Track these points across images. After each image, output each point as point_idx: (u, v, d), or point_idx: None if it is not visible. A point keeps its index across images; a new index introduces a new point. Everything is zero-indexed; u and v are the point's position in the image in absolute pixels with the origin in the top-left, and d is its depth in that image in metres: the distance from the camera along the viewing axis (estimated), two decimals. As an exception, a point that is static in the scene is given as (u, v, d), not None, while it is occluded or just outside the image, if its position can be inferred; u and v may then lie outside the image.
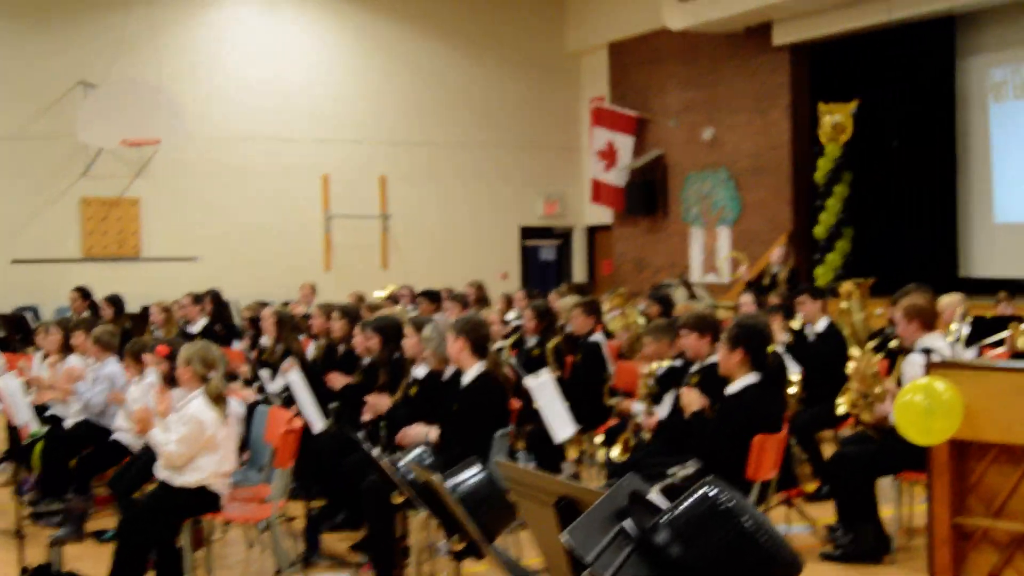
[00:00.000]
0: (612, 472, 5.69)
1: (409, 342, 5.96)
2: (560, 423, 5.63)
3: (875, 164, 13.21)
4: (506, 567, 3.13)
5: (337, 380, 6.66)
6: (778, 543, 1.81)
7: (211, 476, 4.89)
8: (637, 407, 5.96)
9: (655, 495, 1.95)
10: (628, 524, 1.69)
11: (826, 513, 6.10)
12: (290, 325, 7.41)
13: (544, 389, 5.68)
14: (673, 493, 1.91)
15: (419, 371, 5.94)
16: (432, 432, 5.43)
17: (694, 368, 5.67)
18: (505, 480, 2.45)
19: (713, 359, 5.51)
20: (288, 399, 6.70)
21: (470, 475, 3.31)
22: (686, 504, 1.66)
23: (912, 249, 12.89)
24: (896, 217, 13.18)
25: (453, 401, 5.38)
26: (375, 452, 3.97)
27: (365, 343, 6.49)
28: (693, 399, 5.17)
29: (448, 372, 5.68)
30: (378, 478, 4.31)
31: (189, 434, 4.81)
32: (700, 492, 1.68)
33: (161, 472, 4.93)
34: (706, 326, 5.69)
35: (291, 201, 15.09)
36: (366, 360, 6.57)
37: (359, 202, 15.54)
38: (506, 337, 8.24)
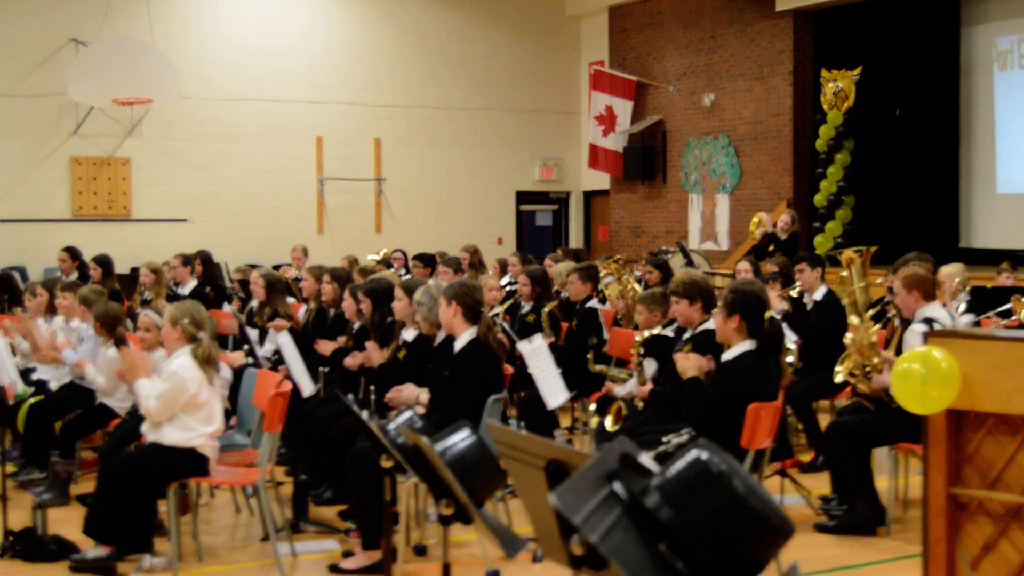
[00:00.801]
0: (602, 441, 5.62)
1: (399, 305, 5.87)
2: (553, 389, 5.56)
3: (877, 132, 13.06)
4: (495, 532, 3.06)
5: (326, 346, 6.56)
6: (770, 507, 1.76)
7: (199, 437, 4.81)
8: (619, 391, 5.91)
9: (646, 460, 1.88)
10: (618, 486, 1.62)
11: (821, 484, 6.05)
12: (279, 288, 7.32)
13: (537, 355, 5.60)
14: (665, 461, 1.85)
15: (408, 334, 5.86)
16: (423, 395, 5.36)
17: (686, 336, 5.59)
18: (495, 443, 2.38)
19: (705, 326, 5.43)
20: (277, 362, 6.62)
21: (459, 439, 3.23)
22: (678, 467, 1.59)
23: (913, 219, 12.78)
24: (897, 186, 13.05)
25: (445, 367, 5.30)
26: (364, 415, 3.89)
27: (354, 307, 6.39)
28: (689, 365, 5.09)
29: (440, 337, 5.59)
30: (366, 444, 4.24)
31: (169, 390, 4.73)
32: (692, 455, 1.60)
33: (149, 433, 4.86)
34: (696, 293, 5.59)
35: (284, 163, 14.91)
36: (356, 324, 6.47)
37: (353, 165, 15.37)
38: (501, 302, 8.16)
